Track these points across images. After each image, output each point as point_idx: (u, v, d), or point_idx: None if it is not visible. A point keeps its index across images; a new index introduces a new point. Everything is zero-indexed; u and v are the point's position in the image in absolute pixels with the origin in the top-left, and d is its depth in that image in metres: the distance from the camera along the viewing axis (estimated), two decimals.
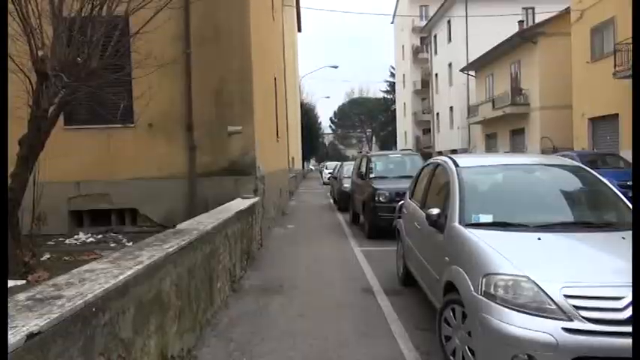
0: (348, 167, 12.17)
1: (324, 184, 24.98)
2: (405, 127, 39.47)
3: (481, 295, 2.13)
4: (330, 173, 18.71)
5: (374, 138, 63.93)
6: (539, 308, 1.92)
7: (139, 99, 5.30)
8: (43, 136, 3.11)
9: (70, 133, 5.50)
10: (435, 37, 27.21)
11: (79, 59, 3.02)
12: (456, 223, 2.83)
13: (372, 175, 7.93)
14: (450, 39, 25.33)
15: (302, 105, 34.97)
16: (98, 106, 4.67)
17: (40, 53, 2.86)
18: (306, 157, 39.55)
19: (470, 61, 21.04)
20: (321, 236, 7.69)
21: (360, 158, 9.42)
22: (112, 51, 3.42)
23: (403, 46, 37.43)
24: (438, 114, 29.72)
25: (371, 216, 7.14)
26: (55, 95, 3.00)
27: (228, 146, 6.11)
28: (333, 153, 69.27)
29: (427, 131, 35.05)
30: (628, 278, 1.86)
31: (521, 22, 18.25)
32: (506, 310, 1.99)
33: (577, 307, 1.88)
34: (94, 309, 1.51)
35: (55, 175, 5.13)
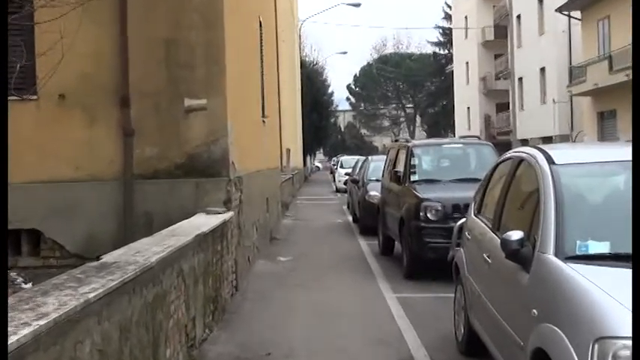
0: (377, 164, 12.29)
1: (338, 190, 25.08)
2: (468, 100, 38.71)
3: None
4: (347, 174, 18.70)
5: (418, 118, 63.11)
6: None
7: (45, 56, 5.20)
8: None
9: None
10: None
11: None
12: (551, 255, 2.77)
13: (415, 178, 8.00)
14: None
15: (303, 66, 34.34)
16: None
17: None
18: (309, 149, 38.98)
19: None
20: (332, 275, 7.73)
21: (395, 150, 9.38)
22: None
23: None
24: (521, 79, 28.70)
25: (413, 243, 7.19)
26: None
27: (186, 131, 6.18)
28: (352, 142, 68.72)
29: (503, 107, 34.26)
30: None
31: None
32: None
33: None
34: None
35: None
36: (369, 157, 14.05)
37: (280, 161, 17.85)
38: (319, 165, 64.38)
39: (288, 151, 23.18)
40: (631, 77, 15.91)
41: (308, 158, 44.49)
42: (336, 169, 28.99)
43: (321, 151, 62.94)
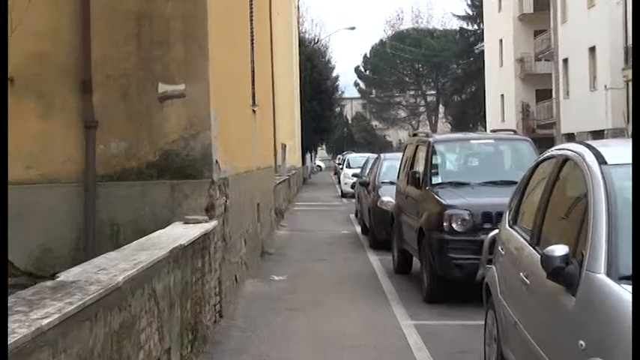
0: (391, 164, 12.37)
1: (344, 195, 25.11)
2: (501, 86, 38.53)
3: None
4: (355, 175, 18.74)
5: (441, 108, 63.09)
6: None
7: None
8: None
9: None
10: None
11: None
12: (602, 275, 2.77)
13: (437, 180, 7.99)
14: None
15: (302, 44, 34.00)
16: None
17: None
18: (309, 146, 38.65)
19: None
20: (336, 297, 7.70)
21: (413, 147, 9.35)
22: None
23: None
24: (566, 61, 28.47)
25: (435, 259, 7.19)
26: None
27: (160, 122, 6.23)
28: (361, 136, 68.64)
29: (545, 95, 33.95)
30: None
31: None
32: None
33: None
34: None
35: None
36: (382, 155, 14.04)
37: (274, 160, 17.90)
38: (321, 164, 63.59)
39: (284, 147, 23.44)
40: None
41: (308, 156, 43.62)
42: (342, 169, 28.92)
43: (324, 147, 62.15)
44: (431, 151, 8.28)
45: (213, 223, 6.18)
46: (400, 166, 10.05)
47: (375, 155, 16.41)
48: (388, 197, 10.93)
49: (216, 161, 6.47)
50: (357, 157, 27.91)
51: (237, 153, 8.15)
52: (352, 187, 20.07)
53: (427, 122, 63.91)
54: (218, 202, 6.58)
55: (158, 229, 5.67)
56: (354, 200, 17.95)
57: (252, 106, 9.90)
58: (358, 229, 14.42)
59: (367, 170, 15.46)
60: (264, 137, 11.98)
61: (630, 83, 21.98)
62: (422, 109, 65.65)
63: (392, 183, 11.01)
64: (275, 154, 18.43)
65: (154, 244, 4.80)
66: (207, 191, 6.24)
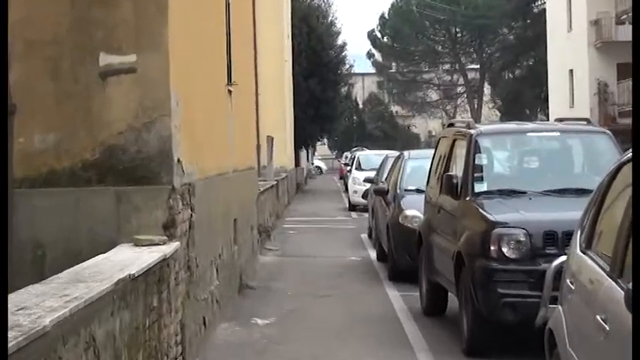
0: (418, 165, 12.48)
1: (354, 207, 25.63)
2: (570, 59, 38.74)
3: None
4: (368, 181, 19.00)
5: (486, 88, 63.22)
6: None
7: None
8: None
9: None
10: None
11: None
12: None
13: (482, 188, 8.10)
14: None
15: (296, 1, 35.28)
16: None
17: None
18: (305, 139, 39.20)
19: None
20: (343, 350, 7.65)
21: (449, 142, 9.44)
22: None
23: None
24: None
25: (479, 295, 7.23)
26: None
27: (102, 106, 6.29)
28: (376, 127, 68.60)
29: (629, 72, 35.91)
30: None
31: None
32: None
33: None
34: None
35: None
36: (405, 153, 14.04)
37: (257, 159, 17.61)
38: (322, 165, 62.56)
39: (271, 141, 23.30)
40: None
41: (303, 154, 43.57)
42: (350, 171, 28.99)
43: (325, 142, 61.18)
44: (473, 148, 8.25)
45: (174, 245, 6.18)
46: (431, 168, 10.09)
47: (396, 153, 16.35)
48: (414, 211, 10.94)
49: (179, 160, 6.48)
50: (370, 156, 27.80)
51: (208, 149, 8.14)
52: (364, 196, 20.09)
53: (467, 108, 63.29)
54: (181, 216, 6.59)
55: (98, 254, 5.63)
56: (366, 215, 17.87)
57: (228, 85, 9.98)
58: (372, 254, 14.41)
59: (385, 174, 15.44)
60: (243, 128, 12.06)
61: None
62: (460, 89, 64.95)
63: (419, 191, 11.00)
64: (258, 151, 18.32)
65: (92, 274, 4.77)
66: (166, 202, 6.26)
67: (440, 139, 10.40)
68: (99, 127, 6.29)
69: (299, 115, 33.22)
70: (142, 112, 6.30)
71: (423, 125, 70.91)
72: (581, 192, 6.84)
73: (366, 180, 19.78)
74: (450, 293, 8.59)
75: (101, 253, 5.66)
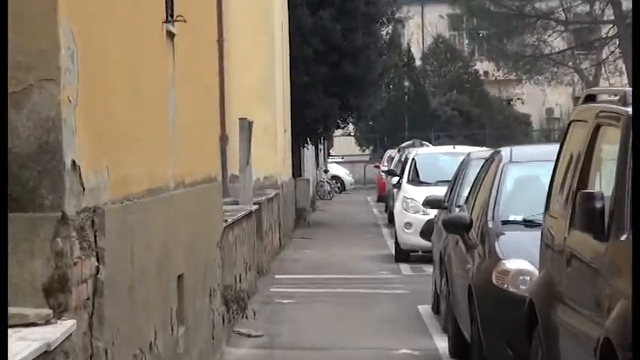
0: (527, 174, 13.46)
1: (406, 254, 27.18)
2: None
3: None
4: (432, 203, 19.70)
5: None
6: None
7: None
8: None
9: None
10: None
11: None
12: None
13: None
14: None
15: None
16: None
17: None
18: (314, 127, 39.60)
19: None
20: None
21: (586, 131, 9.63)
22: None
23: None
24: None
25: None
26: None
27: None
28: (446, 103, 72.11)
29: None
30: None
31: None
32: None
33: None
34: None
35: None
36: (504, 153, 14.40)
37: (222, 162, 17.96)
38: (343, 174, 63.60)
39: (247, 128, 23.02)
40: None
41: (309, 153, 45.02)
42: (399, 185, 30.14)
43: (351, 130, 61.61)
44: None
45: (66, 325, 6.46)
46: (552, 180, 10.21)
47: (487, 152, 17.19)
48: (520, 262, 11.33)
49: (74, 164, 6.85)
50: (436, 158, 28.90)
51: (130, 144, 8.50)
52: (425, 233, 20.62)
53: (621, 66, 62.97)
54: (78, 270, 6.83)
55: None
56: (427, 269, 19.43)
57: (168, 24, 10.28)
58: (442, 344, 14.73)
59: (465, 192, 16.02)
60: (197, 104, 12.61)
61: None
62: (607, 30, 64.47)
63: (529, 224, 11.52)
64: (223, 148, 18.45)
65: None
66: (51, 243, 6.64)
67: (570, 124, 10.50)
68: None
69: (302, 80, 33.00)
70: (9, 75, 6.50)
71: (537, 98, 71.65)
72: None
73: (429, 203, 20.31)
74: None
75: None
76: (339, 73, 31.33)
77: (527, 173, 12.01)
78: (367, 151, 62.77)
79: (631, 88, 9.10)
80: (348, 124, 43.71)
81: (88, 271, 6.66)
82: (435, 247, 16.88)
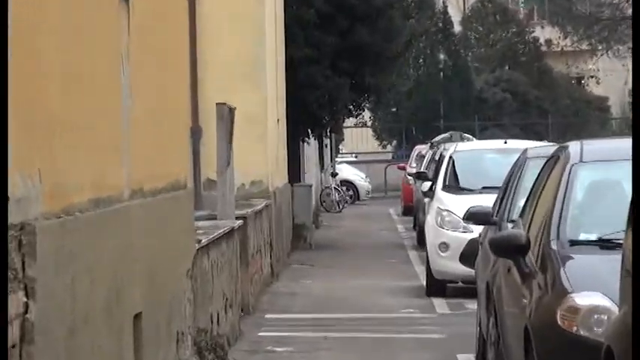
0: (603, 179, 14.39)
1: (442, 285, 28.60)
2: None
3: None
4: (475, 218, 20.91)
5: None
6: None
7: None
8: None
9: None
10: None
11: None
12: None
13: None
14: None
15: None
16: None
17: None
18: (318, 116, 41.80)
19: None
20: None
21: None
22: None
23: None
24: None
25: None
26: None
27: None
28: (494, 83, 74.26)
29: None
30: None
31: None
32: None
33: None
34: None
35: None
36: (572, 150, 14.85)
37: (193, 163, 18.13)
38: (357, 178, 65.28)
39: (228, 117, 23.44)
40: None
41: (311, 150, 46.04)
42: (431, 193, 31.02)
43: (367, 120, 64.50)
44: None
45: None
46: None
47: (549, 148, 17.81)
48: (593, 295, 11.59)
49: None
50: (481, 156, 30.00)
51: (69, 139, 8.67)
52: (466, 258, 22.45)
53: None
54: None
55: None
56: (470, 306, 19.98)
57: None
58: None
59: (519, 202, 16.58)
60: (159, 85, 12.89)
61: None
62: None
63: (604, 244, 11.88)
64: (195, 145, 18.60)
65: None
66: None
67: None
68: None
69: (301, 53, 33.11)
70: None
71: (618, 76, 70.60)
72: None
73: (472, 216, 20.82)
74: None
75: None
76: (351, 43, 30.31)
77: (604, 177, 11.73)
78: (389, 148, 62.67)
79: None
80: (363, 110, 42.99)
81: (13, 310, 6.59)
82: (480, 277, 16.75)
